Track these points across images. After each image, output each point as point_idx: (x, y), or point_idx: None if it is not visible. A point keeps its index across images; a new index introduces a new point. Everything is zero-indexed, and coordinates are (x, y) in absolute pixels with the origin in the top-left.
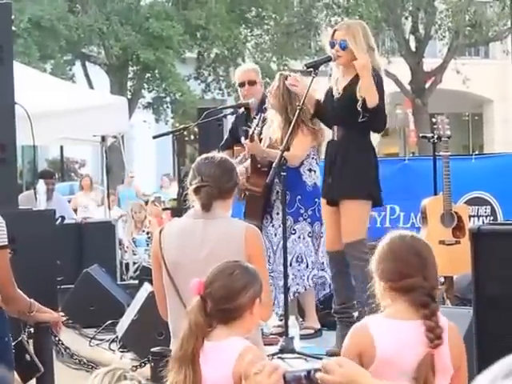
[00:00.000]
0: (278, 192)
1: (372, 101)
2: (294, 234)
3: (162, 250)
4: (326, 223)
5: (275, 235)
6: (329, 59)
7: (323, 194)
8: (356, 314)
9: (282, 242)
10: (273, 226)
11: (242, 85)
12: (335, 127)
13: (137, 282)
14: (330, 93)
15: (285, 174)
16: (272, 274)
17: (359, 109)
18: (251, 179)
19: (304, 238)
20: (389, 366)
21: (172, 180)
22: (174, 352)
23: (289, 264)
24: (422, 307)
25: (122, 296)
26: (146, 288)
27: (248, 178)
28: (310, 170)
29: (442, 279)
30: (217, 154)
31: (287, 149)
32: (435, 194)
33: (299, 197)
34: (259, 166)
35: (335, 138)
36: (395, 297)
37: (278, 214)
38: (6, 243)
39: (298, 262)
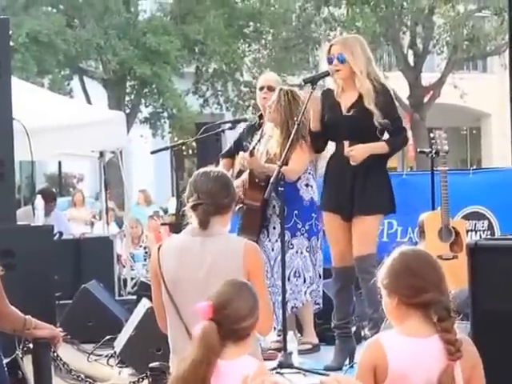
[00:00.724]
0: (274, 206)
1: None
2: (291, 248)
3: (161, 268)
4: (333, 238)
5: (272, 250)
6: (327, 74)
7: (330, 208)
8: (354, 328)
9: (279, 257)
10: (269, 240)
11: (261, 88)
12: (346, 142)
13: (135, 297)
14: (334, 108)
15: (283, 189)
16: (270, 289)
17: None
18: (249, 193)
19: (302, 253)
20: (402, 382)
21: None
22: (181, 371)
23: (287, 279)
24: (440, 321)
25: (120, 311)
26: (144, 303)
27: (245, 192)
28: (306, 185)
29: None
30: (214, 169)
31: (285, 163)
32: (433, 208)
33: (296, 211)
34: (257, 180)
35: (345, 154)
36: (409, 313)
37: (274, 228)
38: None
39: (295, 277)
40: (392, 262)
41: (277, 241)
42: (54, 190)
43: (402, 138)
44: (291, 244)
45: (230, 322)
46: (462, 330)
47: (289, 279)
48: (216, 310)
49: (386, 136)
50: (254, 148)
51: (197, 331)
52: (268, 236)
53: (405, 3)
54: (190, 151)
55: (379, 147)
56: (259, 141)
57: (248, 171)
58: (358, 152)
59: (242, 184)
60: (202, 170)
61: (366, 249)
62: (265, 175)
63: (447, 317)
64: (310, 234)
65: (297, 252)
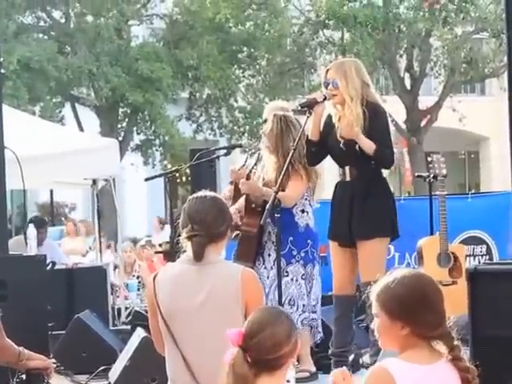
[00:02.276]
0: (269, 233)
1: (367, 151)
2: (286, 276)
3: (157, 297)
4: (334, 266)
5: (267, 277)
6: (324, 99)
7: (331, 235)
8: (352, 356)
9: (274, 284)
10: (265, 267)
11: (265, 121)
12: (347, 168)
13: (129, 327)
14: (332, 133)
15: (279, 215)
16: None
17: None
18: (245, 219)
19: (297, 281)
20: None
21: (164, 222)
22: None
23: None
24: (451, 351)
25: (114, 341)
26: (139, 333)
27: (241, 218)
28: (302, 211)
29: None
30: (208, 194)
31: (282, 189)
32: (431, 233)
33: (291, 238)
34: (253, 205)
35: (348, 179)
36: (418, 342)
37: (269, 255)
38: None
39: (290, 305)
40: (399, 288)
41: (272, 268)
42: (45, 218)
43: (387, 153)
44: (286, 271)
45: (261, 351)
46: None
47: (283, 307)
48: (246, 337)
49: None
50: (250, 171)
51: (227, 358)
52: (264, 263)
53: (401, 26)
54: (184, 178)
55: (367, 141)
56: (255, 165)
57: (244, 196)
58: (344, 125)
59: (237, 210)
60: (195, 195)
61: (372, 274)
62: (262, 200)
63: (456, 345)
64: (305, 261)
65: (292, 280)
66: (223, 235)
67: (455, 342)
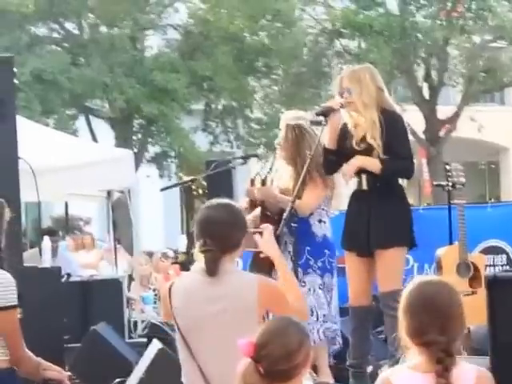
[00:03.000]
0: (286, 243)
1: (377, 172)
2: (303, 286)
3: (173, 308)
4: (352, 276)
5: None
6: (340, 107)
7: (347, 246)
8: (370, 368)
9: None
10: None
11: None
12: (363, 176)
13: (145, 339)
14: (348, 141)
15: (296, 225)
16: None
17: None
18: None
19: (315, 291)
20: None
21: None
22: None
23: None
24: (436, 363)
25: (130, 354)
26: (155, 345)
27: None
28: (319, 221)
29: None
30: (220, 202)
31: (299, 198)
32: (450, 243)
33: (308, 248)
34: (269, 213)
35: (364, 188)
36: (416, 350)
37: None
38: (16, 303)
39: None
40: (403, 298)
41: None
42: (56, 230)
43: (401, 165)
44: (303, 282)
45: (273, 362)
46: (481, 364)
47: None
48: (257, 348)
49: None
50: (265, 177)
51: (239, 369)
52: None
53: (419, 34)
54: (201, 191)
55: (371, 163)
56: (269, 172)
57: (289, 207)
58: (347, 169)
59: (253, 219)
60: (208, 204)
61: (390, 284)
62: (278, 208)
63: (443, 359)
64: (322, 271)
65: (309, 290)
66: (237, 245)
67: (441, 354)
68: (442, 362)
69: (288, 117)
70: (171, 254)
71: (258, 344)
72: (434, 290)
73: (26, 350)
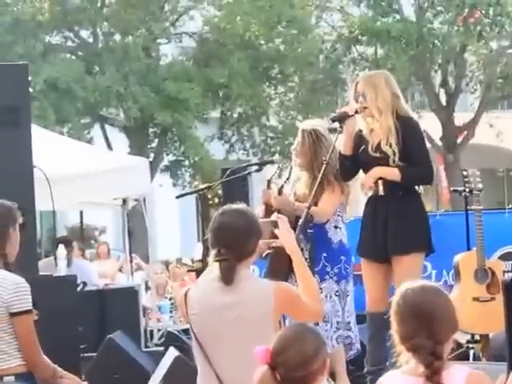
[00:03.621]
0: (302, 249)
1: (396, 180)
2: (320, 293)
3: (189, 315)
4: (369, 282)
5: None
6: (355, 112)
7: (364, 252)
8: None
9: None
10: (297, 284)
11: None
12: (380, 182)
13: (162, 348)
14: (364, 147)
15: (312, 231)
16: None
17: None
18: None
19: (331, 297)
20: None
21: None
22: None
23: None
24: (425, 367)
25: (147, 363)
26: (172, 353)
27: (273, 235)
28: (335, 227)
29: (478, 337)
30: (235, 208)
31: (315, 204)
32: (468, 249)
33: (325, 254)
34: (311, 224)
35: (381, 193)
36: (407, 354)
37: None
38: (31, 308)
39: (324, 322)
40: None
41: None
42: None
43: (420, 172)
44: (320, 288)
45: (289, 369)
46: (499, 371)
47: (317, 324)
48: (273, 355)
49: None
50: (282, 186)
51: (256, 376)
52: (296, 281)
53: (436, 41)
54: (216, 200)
55: (390, 173)
56: (286, 181)
57: (276, 212)
58: (365, 180)
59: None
60: (221, 212)
61: None
62: (294, 216)
63: (432, 362)
64: (339, 278)
65: (326, 296)
66: (252, 251)
67: (430, 358)
68: (431, 366)
69: (306, 125)
70: (187, 260)
71: (275, 351)
72: (418, 294)
73: (43, 355)
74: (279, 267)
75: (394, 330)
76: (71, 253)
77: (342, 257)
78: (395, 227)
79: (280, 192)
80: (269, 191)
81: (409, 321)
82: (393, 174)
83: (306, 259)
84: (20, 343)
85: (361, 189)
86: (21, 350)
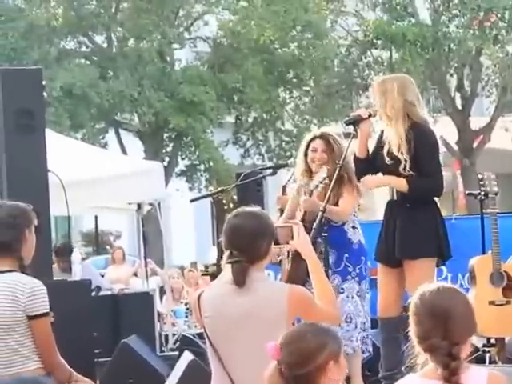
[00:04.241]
0: (321, 252)
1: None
2: (342, 293)
3: (202, 317)
4: (381, 287)
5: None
6: (369, 115)
7: (377, 256)
8: None
9: None
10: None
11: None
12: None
13: (177, 353)
14: (379, 153)
15: (326, 234)
16: None
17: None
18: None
19: (353, 298)
20: None
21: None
22: None
23: (337, 325)
24: (442, 368)
25: (161, 367)
26: (187, 357)
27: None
28: (353, 228)
29: (493, 341)
30: (248, 211)
31: (335, 205)
32: (483, 253)
33: (346, 255)
34: (307, 224)
35: (395, 197)
36: (425, 356)
37: None
38: (47, 310)
39: (346, 323)
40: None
41: None
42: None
43: (428, 184)
44: (342, 288)
45: (288, 366)
46: None
47: (339, 325)
48: (278, 351)
49: None
50: (313, 189)
51: (266, 372)
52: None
53: (451, 44)
54: (231, 205)
55: (397, 184)
56: (321, 182)
57: (301, 215)
58: (368, 180)
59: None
60: (235, 214)
61: None
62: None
63: (449, 363)
64: (360, 278)
65: (347, 297)
66: (265, 254)
67: (447, 359)
68: (448, 367)
69: (326, 131)
70: (201, 266)
71: (280, 347)
72: (434, 295)
73: (60, 357)
74: (299, 269)
75: (412, 331)
76: (66, 262)
77: (362, 257)
78: (403, 232)
79: (311, 195)
80: (284, 197)
81: (425, 321)
82: (400, 185)
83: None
84: (38, 346)
85: (361, 185)
86: (38, 352)
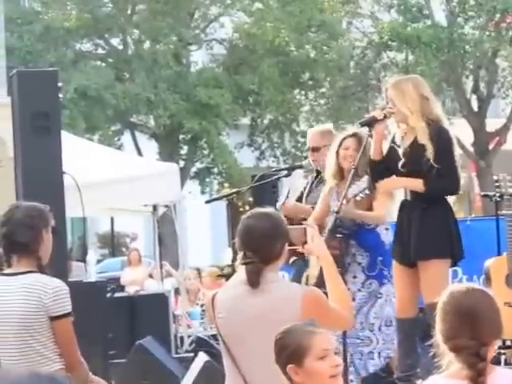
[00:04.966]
0: (354, 254)
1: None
2: (380, 297)
3: (216, 318)
4: (398, 287)
5: (353, 300)
6: (384, 117)
7: (394, 256)
8: (419, 382)
9: (365, 308)
10: (349, 289)
11: (314, 149)
12: (408, 190)
13: (192, 354)
14: (393, 156)
15: (341, 235)
16: (352, 340)
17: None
18: (328, 240)
19: (391, 300)
20: None
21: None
22: None
23: (377, 329)
24: (468, 368)
25: (176, 368)
26: (201, 358)
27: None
28: (386, 229)
29: (509, 342)
30: (262, 212)
31: (368, 209)
32: (499, 254)
33: (380, 258)
34: (340, 229)
35: (409, 198)
36: (451, 356)
37: (355, 277)
38: (70, 310)
39: (386, 326)
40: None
41: (360, 290)
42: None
43: (445, 184)
44: (380, 293)
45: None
46: None
47: (380, 329)
48: None
49: None
50: (350, 198)
51: None
52: (346, 285)
53: (467, 46)
54: (247, 207)
55: (414, 185)
56: (364, 189)
57: (333, 218)
58: (384, 184)
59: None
60: (249, 215)
61: (433, 296)
62: (351, 222)
63: (476, 363)
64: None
65: (386, 301)
66: (279, 255)
67: (474, 359)
68: (475, 367)
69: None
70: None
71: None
72: (463, 295)
73: (81, 357)
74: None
75: (438, 329)
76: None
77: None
78: (416, 233)
79: (348, 200)
80: (290, 204)
81: (453, 320)
82: (417, 186)
83: (358, 264)
84: (60, 346)
85: (377, 188)
86: (60, 353)
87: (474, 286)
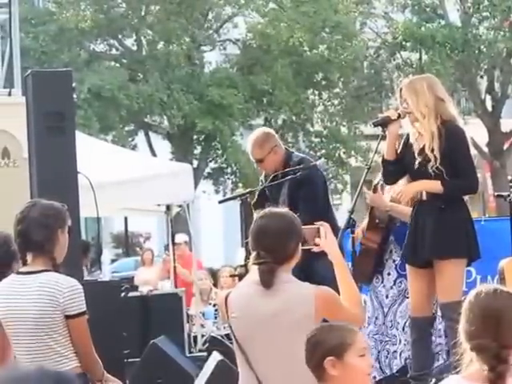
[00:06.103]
0: (391, 251)
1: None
2: (408, 297)
3: (229, 318)
4: (412, 286)
5: (387, 297)
6: (398, 117)
7: (408, 256)
8: (433, 381)
9: (395, 306)
10: (384, 286)
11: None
12: (423, 191)
13: (206, 353)
14: (408, 156)
15: (353, 234)
16: (375, 337)
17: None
18: (367, 234)
19: None
20: None
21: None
22: None
23: (402, 329)
24: (488, 369)
25: (190, 367)
26: (215, 357)
27: (363, 232)
28: None
29: None
30: (275, 211)
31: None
32: None
33: None
34: (377, 221)
35: (424, 198)
36: (471, 357)
37: (389, 274)
38: (85, 309)
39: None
40: (463, 305)
41: (392, 287)
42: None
43: (464, 184)
44: (408, 293)
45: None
46: None
47: (403, 329)
48: None
49: None
50: (377, 183)
51: None
52: (382, 282)
53: (481, 46)
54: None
55: (433, 187)
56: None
57: (369, 210)
58: (405, 192)
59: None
60: (262, 215)
61: (448, 296)
62: (387, 216)
63: (495, 366)
64: None
65: None
66: (292, 255)
67: (494, 361)
68: (495, 369)
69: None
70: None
71: None
72: (490, 296)
73: (96, 355)
74: (365, 265)
75: (461, 328)
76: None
77: None
78: (433, 232)
79: (375, 189)
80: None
81: (477, 320)
82: (435, 188)
83: (393, 261)
84: (75, 344)
85: (399, 198)
86: (76, 351)
87: (502, 288)
